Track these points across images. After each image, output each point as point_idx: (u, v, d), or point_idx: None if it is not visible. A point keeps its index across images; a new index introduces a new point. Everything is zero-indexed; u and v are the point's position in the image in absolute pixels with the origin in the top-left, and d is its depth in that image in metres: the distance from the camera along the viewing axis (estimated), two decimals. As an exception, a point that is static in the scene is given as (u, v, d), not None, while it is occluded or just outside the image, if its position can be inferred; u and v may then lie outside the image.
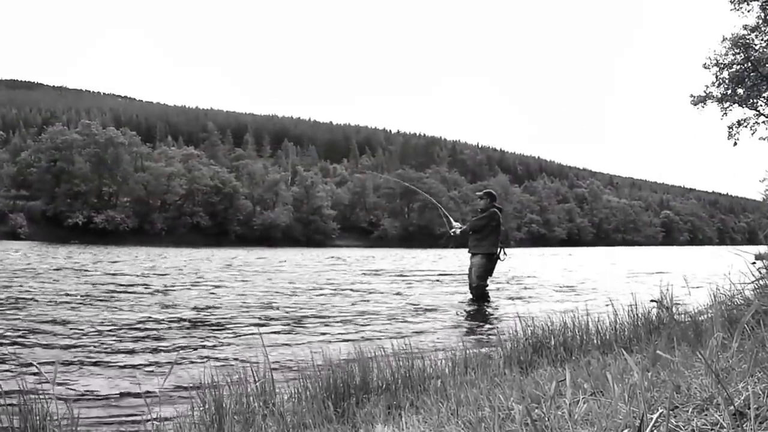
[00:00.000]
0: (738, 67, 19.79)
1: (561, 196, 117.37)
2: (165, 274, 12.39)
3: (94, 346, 4.31)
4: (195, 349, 4.27)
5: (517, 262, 21.24)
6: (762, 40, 19.32)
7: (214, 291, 8.84)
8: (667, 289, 3.36)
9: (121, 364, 3.77)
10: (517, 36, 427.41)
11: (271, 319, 5.94)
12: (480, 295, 7.57)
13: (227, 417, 2.10)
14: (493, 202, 7.83)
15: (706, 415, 1.28)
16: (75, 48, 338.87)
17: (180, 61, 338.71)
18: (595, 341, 3.08)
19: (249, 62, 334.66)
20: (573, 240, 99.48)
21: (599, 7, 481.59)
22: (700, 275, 11.41)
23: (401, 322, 5.77)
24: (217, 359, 3.88)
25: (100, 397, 3.00)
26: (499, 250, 7.66)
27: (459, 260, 20.28)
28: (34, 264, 14.93)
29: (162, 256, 23.45)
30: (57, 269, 13.06)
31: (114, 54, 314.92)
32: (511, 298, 8.12)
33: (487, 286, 7.77)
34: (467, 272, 7.97)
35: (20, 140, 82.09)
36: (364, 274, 14.09)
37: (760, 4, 18.53)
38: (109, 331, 4.97)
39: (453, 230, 7.95)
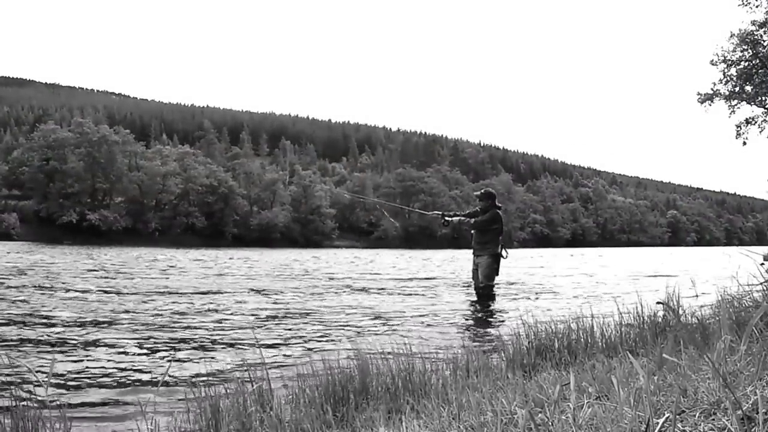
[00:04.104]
0: (746, 63, 19.53)
1: (565, 195, 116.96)
2: (164, 275, 12.43)
3: (87, 348, 4.30)
4: (191, 352, 4.25)
5: (520, 264, 21.20)
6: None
7: (211, 293, 8.83)
8: (674, 291, 3.33)
9: (115, 367, 3.75)
10: (520, 32, 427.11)
11: (270, 320, 5.92)
12: (487, 296, 7.57)
13: (223, 421, 2.08)
14: (493, 203, 7.78)
15: (713, 419, 1.27)
16: (68, 44, 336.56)
17: (175, 57, 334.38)
18: (599, 344, 3.05)
19: (245, 59, 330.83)
20: (577, 240, 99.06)
21: (604, 3, 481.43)
22: (707, 276, 11.33)
23: (402, 324, 5.73)
24: (213, 362, 3.85)
25: (94, 402, 2.98)
26: (500, 248, 7.65)
27: (460, 262, 20.28)
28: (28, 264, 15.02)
29: (163, 256, 23.53)
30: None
31: (107, 50, 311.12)
32: (514, 300, 8.08)
33: (494, 285, 7.76)
34: (471, 273, 7.95)
35: (12, 139, 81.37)
36: (364, 275, 14.08)
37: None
38: (100, 333, 4.96)
39: (450, 219, 7.85)
